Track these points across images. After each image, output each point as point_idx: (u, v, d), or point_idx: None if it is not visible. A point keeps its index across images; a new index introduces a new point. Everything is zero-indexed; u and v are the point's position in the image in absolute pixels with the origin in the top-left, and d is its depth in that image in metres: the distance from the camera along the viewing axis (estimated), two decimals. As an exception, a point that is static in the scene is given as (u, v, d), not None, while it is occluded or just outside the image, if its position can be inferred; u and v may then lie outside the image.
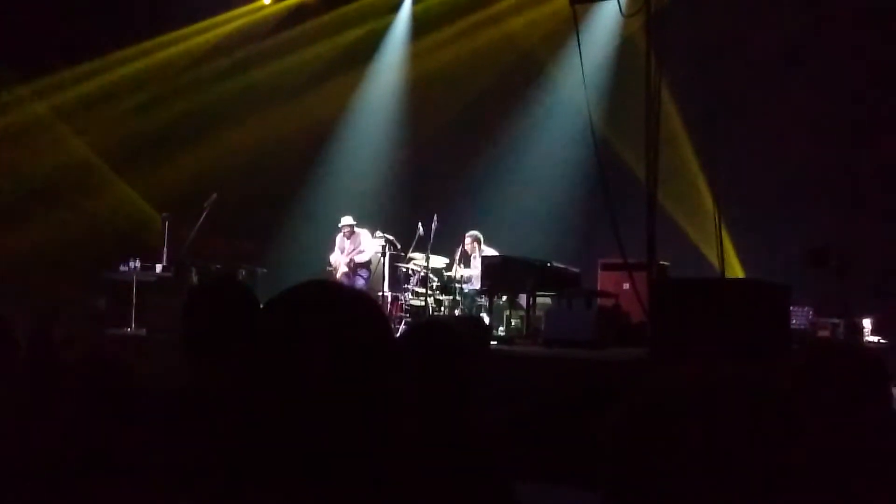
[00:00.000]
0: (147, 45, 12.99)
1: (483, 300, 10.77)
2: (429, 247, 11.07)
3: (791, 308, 8.26)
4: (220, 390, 2.30)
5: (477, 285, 10.85)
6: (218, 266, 11.24)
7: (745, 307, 6.44)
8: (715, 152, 10.08)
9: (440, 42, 13.80)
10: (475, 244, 11.40)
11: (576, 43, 8.61)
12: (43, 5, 11.66)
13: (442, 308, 11.16)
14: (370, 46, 14.47)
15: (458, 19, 13.62)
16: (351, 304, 1.30)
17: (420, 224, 11.22)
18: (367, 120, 14.51)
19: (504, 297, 10.67)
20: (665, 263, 9.42)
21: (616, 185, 9.22)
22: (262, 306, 1.36)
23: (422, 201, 12.68)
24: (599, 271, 10.24)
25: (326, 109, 14.18)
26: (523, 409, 5.52)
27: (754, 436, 0.95)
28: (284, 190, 13.92)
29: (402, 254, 11.59)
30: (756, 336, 6.12)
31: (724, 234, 8.56)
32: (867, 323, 9.81)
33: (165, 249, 10.88)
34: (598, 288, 9.96)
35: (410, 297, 11.28)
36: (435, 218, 11.12)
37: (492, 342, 8.30)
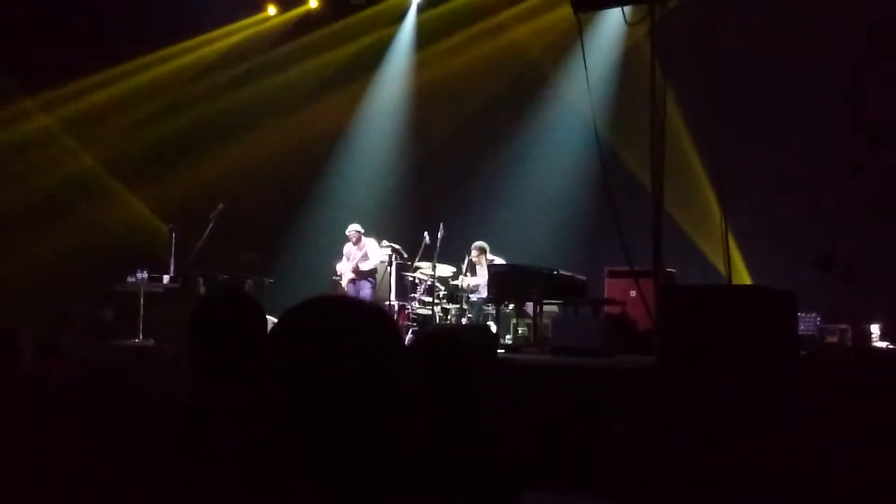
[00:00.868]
0: (153, 57, 13.03)
1: (490, 309, 10.76)
2: (435, 255, 11.08)
3: (799, 314, 8.24)
4: (227, 400, 2.30)
5: (484, 294, 10.85)
6: (225, 276, 11.26)
7: (753, 314, 6.41)
8: (721, 159, 10.06)
9: (445, 51, 13.83)
10: (481, 255, 11.40)
11: (580, 51, 8.61)
12: (50, 19, 11.71)
13: (449, 317, 11.15)
14: (375, 56, 14.50)
15: (463, 28, 13.65)
16: (363, 315, 1.30)
17: (426, 233, 11.23)
18: (372, 130, 14.53)
19: (511, 306, 10.66)
20: (672, 271, 9.40)
21: (622, 192, 9.21)
22: (277, 319, 1.36)
23: (428, 210, 12.70)
24: (606, 279, 10.22)
25: (332, 119, 14.21)
26: (530, 418, 5.51)
27: (754, 444, 0.95)
28: (291, 200, 13.94)
29: (409, 263, 11.60)
30: (764, 343, 6.10)
31: (731, 240, 8.54)
32: (875, 329, 9.79)
33: (172, 260, 10.90)
34: (605, 296, 9.94)
35: (417, 305, 11.28)
36: (441, 227, 11.13)
37: (499, 350, 8.29)
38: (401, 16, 14.51)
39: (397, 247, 11.70)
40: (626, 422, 1.03)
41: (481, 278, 11.11)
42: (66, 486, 1.71)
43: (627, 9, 8.59)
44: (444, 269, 11.37)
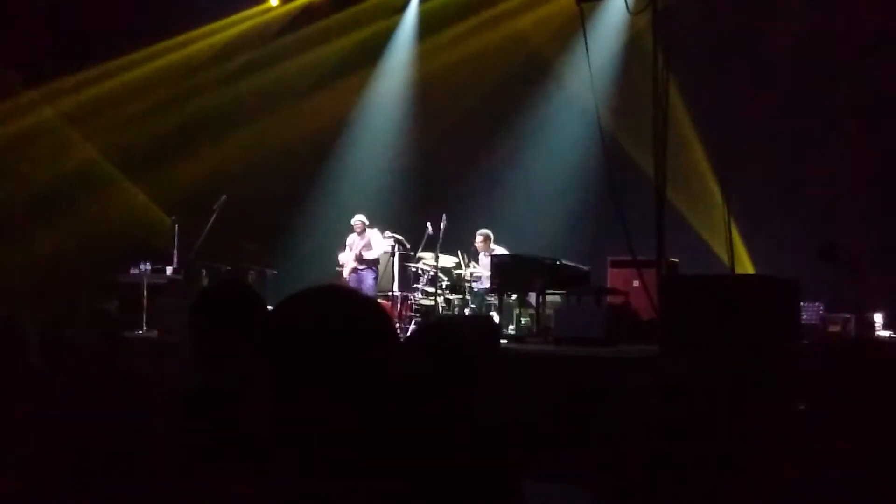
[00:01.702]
0: (155, 48, 13.02)
1: (493, 299, 10.77)
2: (438, 246, 11.08)
3: (802, 303, 8.24)
4: (229, 390, 2.31)
5: (487, 284, 10.85)
6: (228, 268, 11.27)
7: (756, 303, 6.42)
8: (724, 148, 10.05)
9: (447, 42, 13.80)
10: (486, 242, 11.40)
11: (583, 41, 8.60)
12: (50, 11, 11.71)
13: (452, 307, 11.16)
14: (377, 47, 14.47)
15: (465, 19, 13.62)
16: (355, 304, 1.31)
17: (429, 224, 11.23)
18: (375, 120, 14.52)
19: (514, 296, 10.66)
20: (675, 260, 9.40)
21: (625, 182, 9.21)
22: (271, 308, 1.37)
23: (431, 201, 12.69)
24: (609, 269, 10.23)
25: (335, 110, 14.20)
26: (533, 408, 5.53)
27: (755, 429, 0.96)
28: (293, 191, 13.94)
29: (412, 253, 11.60)
30: (766, 332, 6.10)
31: (734, 229, 8.55)
32: (878, 318, 9.78)
33: (175, 252, 10.91)
34: (608, 285, 9.94)
35: (420, 296, 11.29)
36: (444, 217, 11.13)
37: (502, 341, 8.30)
38: (403, 6, 14.49)
39: (400, 237, 11.70)
40: (620, 409, 1.03)
41: (484, 268, 11.11)
42: (72, 476, 1.72)
43: (630, -3, 8.58)
44: (447, 260, 11.37)
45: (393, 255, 11.66)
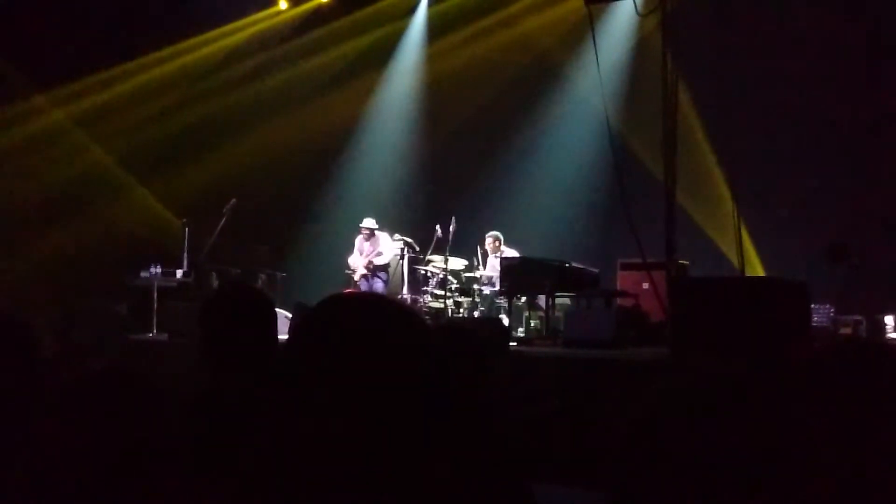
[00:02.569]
0: (164, 52, 13.05)
1: (502, 301, 10.77)
2: (447, 249, 11.08)
3: (812, 306, 8.21)
4: (239, 393, 2.31)
5: (496, 286, 10.85)
6: (238, 271, 11.29)
7: (766, 305, 6.40)
8: (733, 150, 10.03)
9: (456, 44, 13.81)
10: (496, 244, 11.41)
11: (591, 43, 8.59)
12: (61, 14, 11.75)
13: (461, 310, 11.17)
14: (386, 50, 14.50)
15: (474, 21, 13.63)
16: (397, 311, 1.31)
17: (438, 226, 11.24)
18: (384, 123, 14.54)
19: (523, 299, 10.66)
20: (684, 262, 9.38)
21: (634, 184, 9.19)
22: (291, 312, 1.37)
23: (440, 203, 12.70)
24: (619, 271, 10.22)
25: (344, 113, 14.21)
26: (543, 410, 5.52)
27: (763, 434, 0.95)
28: (303, 194, 13.96)
29: (421, 256, 11.61)
30: (777, 334, 6.08)
31: (744, 232, 8.52)
32: (889, 320, 9.73)
33: (185, 255, 10.93)
34: (618, 288, 9.93)
35: (429, 299, 11.29)
36: (453, 220, 11.14)
37: (511, 343, 8.30)
38: (412, 9, 14.51)
39: (409, 240, 11.71)
40: (630, 413, 1.03)
41: (493, 270, 11.11)
42: (80, 481, 1.73)
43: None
44: (456, 263, 11.38)
45: (402, 258, 11.67)
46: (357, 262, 11.74)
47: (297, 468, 1.22)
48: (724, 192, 10.77)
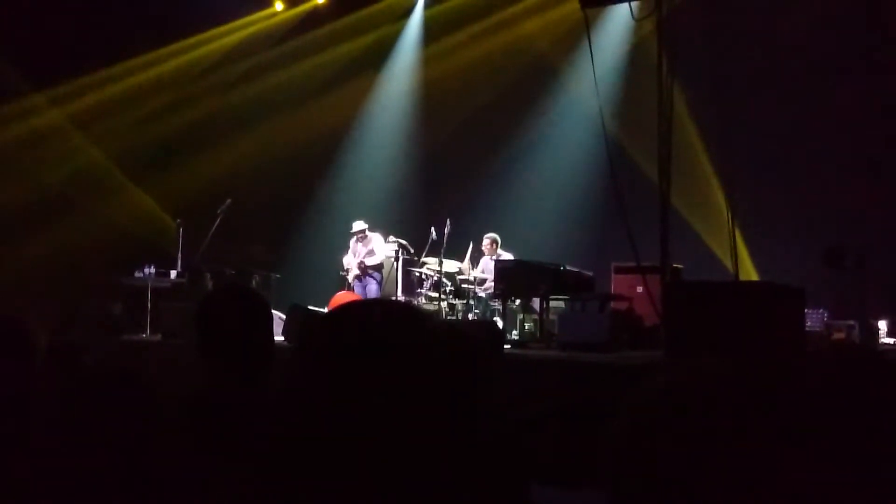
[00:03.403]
0: (160, 52, 13.06)
1: (496, 304, 10.77)
2: (442, 251, 11.09)
3: (806, 310, 8.22)
4: (234, 395, 2.31)
5: (491, 288, 10.85)
6: (232, 272, 11.29)
7: (760, 310, 6.42)
8: (728, 153, 10.05)
9: (452, 46, 13.82)
10: (493, 246, 11.41)
11: (587, 47, 8.61)
12: (57, 14, 11.74)
13: (455, 312, 11.16)
14: (382, 51, 14.51)
15: (470, 23, 13.64)
16: (413, 319, 1.32)
17: (433, 228, 11.25)
18: (379, 125, 14.54)
19: (517, 301, 10.66)
20: (679, 266, 9.39)
21: (629, 188, 9.20)
22: (286, 314, 1.38)
23: (435, 206, 12.70)
24: (613, 274, 10.22)
25: (339, 115, 14.22)
26: (537, 413, 5.52)
27: (759, 435, 0.96)
28: (298, 195, 13.96)
29: (416, 258, 11.61)
30: (770, 339, 6.10)
31: (738, 236, 8.54)
32: (883, 325, 9.76)
33: (180, 255, 10.94)
34: (612, 291, 9.93)
35: (424, 301, 11.29)
36: (448, 222, 11.15)
37: (505, 346, 8.30)
38: (408, 11, 14.51)
39: (404, 242, 11.71)
40: (624, 414, 1.04)
41: (488, 272, 11.11)
42: (76, 483, 1.73)
43: (635, 4, 8.58)
44: (451, 265, 11.38)
45: (397, 259, 11.67)
46: (350, 263, 11.73)
47: (296, 469, 1.23)
48: (719, 195, 10.81)
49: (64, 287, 10.80)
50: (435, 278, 11.17)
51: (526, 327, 10.57)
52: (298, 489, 1.22)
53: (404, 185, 14.05)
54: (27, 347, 2.69)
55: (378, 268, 11.69)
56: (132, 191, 12.88)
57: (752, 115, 11.14)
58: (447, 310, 11.10)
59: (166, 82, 13.07)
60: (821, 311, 10.04)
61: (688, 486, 0.92)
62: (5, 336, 2.66)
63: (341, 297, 10.81)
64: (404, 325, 1.32)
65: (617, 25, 12.30)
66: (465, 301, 11.19)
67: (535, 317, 10.24)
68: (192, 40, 13.36)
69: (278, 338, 6.84)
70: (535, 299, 10.19)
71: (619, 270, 10.09)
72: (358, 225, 11.66)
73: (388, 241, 11.74)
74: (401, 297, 11.38)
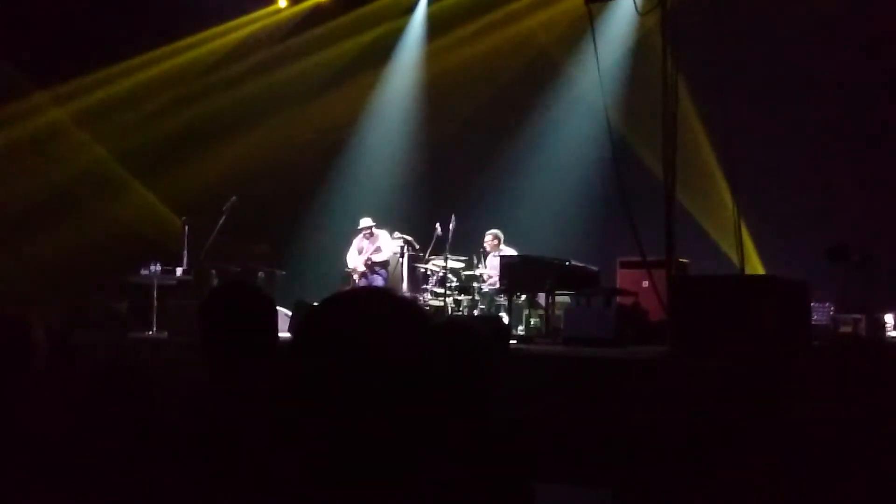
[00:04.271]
0: (164, 50, 13.06)
1: (502, 300, 10.77)
2: (447, 247, 11.08)
3: (812, 304, 8.20)
4: (239, 391, 2.31)
5: (496, 284, 10.84)
6: (237, 269, 11.30)
7: (766, 304, 6.41)
8: (733, 147, 10.02)
9: (456, 42, 13.80)
10: (496, 242, 11.40)
11: (591, 41, 8.59)
12: (61, 12, 11.75)
13: (461, 308, 11.16)
14: (386, 48, 14.49)
15: (474, 19, 13.61)
16: (399, 307, 1.31)
17: (438, 224, 11.24)
18: (383, 121, 14.53)
19: (523, 297, 10.65)
20: (684, 261, 9.38)
21: (634, 182, 9.19)
22: (291, 311, 1.37)
23: (440, 202, 12.69)
24: (618, 269, 10.22)
25: (344, 111, 14.21)
26: (543, 409, 5.52)
27: (767, 431, 0.95)
28: (303, 193, 13.96)
29: (421, 254, 11.60)
30: (777, 333, 6.09)
31: (744, 230, 8.52)
32: (889, 318, 9.73)
33: (185, 253, 10.94)
34: (618, 286, 9.93)
35: (429, 297, 11.29)
36: (453, 218, 11.14)
37: (511, 342, 8.30)
38: (411, 7, 14.49)
39: (409, 238, 11.71)
40: (632, 411, 1.04)
41: (493, 268, 11.10)
42: (81, 478, 1.73)
43: (639, -2, 8.55)
44: (456, 261, 11.37)
45: (402, 256, 11.67)
46: (355, 261, 11.72)
47: (298, 465, 1.22)
48: (724, 189, 10.79)
49: (69, 285, 10.82)
50: (440, 274, 11.17)
51: (532, 323, 10.57)
52: (299, 486, 1.21)
53: (409, 181, 14.03)
54: (30, 346, 2.69)
55: (384, 265, 11.70)
56: (137, 189, 12.89)
57: (758, 108, 11.11)
58: (453, 305, 11.10)
59: (171, 80, 13.07)
60: (827, 304, 10.02)
61: (691, 483, 0.92)
62: (9, 334, 2.66)
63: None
64: (409, 321, 1.31)
65: (621, 20, 12.27)
66: (470, 297, 11.18)
67: (541, 312, 10.24)
68: (196, 38, 13.36)
69: (284, 335, 6.84)
70: (540, 294, 10.19)
71: (624, 265, 10.09)
72: (365, 221, 11.66)
73: (394, 238, 11.75)
74: (406, 293, 11.37)
